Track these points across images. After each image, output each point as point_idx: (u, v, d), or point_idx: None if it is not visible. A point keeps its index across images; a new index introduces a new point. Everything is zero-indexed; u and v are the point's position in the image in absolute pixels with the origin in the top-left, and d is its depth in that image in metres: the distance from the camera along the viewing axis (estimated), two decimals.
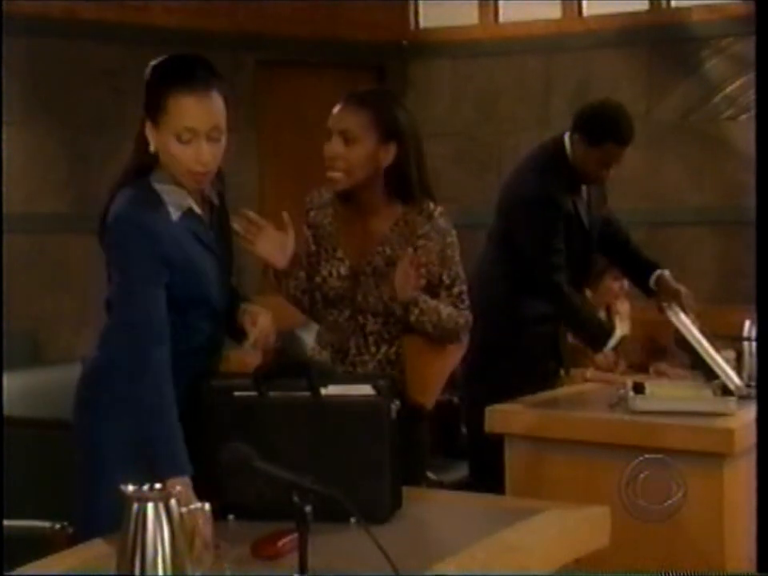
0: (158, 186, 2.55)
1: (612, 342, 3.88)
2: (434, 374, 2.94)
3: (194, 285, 2.56)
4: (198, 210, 2.59)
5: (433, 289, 2.88)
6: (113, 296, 2.56)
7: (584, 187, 4.12)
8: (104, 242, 2.58)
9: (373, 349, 2.91)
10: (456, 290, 2.91)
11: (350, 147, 2.84)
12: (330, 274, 2.92)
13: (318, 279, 2.94)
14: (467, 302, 2.94)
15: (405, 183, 2.87)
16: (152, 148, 2.53)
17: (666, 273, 4.13)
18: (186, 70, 2.52)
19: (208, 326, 2.62)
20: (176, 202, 2.55)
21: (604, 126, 3.97)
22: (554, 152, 4.08)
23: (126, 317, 2.50)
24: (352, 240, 2.92)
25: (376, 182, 2.87)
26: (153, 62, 2.59)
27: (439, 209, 2.91)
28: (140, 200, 2.53)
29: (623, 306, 4.70)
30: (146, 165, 2.57)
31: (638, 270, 4.24)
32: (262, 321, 2.64)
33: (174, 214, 2.54)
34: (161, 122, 2.50)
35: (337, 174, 2.86)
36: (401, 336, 2.92)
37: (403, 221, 2.89)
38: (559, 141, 4.08)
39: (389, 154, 2.85)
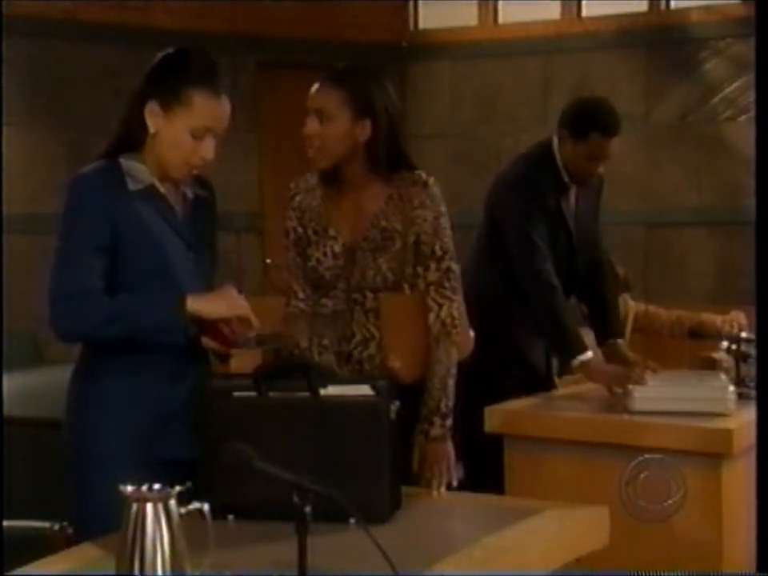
0: (123, 161, 2.60)
1: (582, 358, 3.83)
2: (408, 334, 2.92)
3: (154, 259, 2.58)
4: (161, 189, 2.62)
5: (424, 260, 2.90)
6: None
7: (573, 192, 4.13)
8: None
9: (376, 332, 2.91)
10: (445, 264, 2.91)
11: (325, 125, 2.88)
12: (325, 254, 2.93)
13: (311, 263, 2.94)
14: (454, 282, 2.93)
15: (378, 159, 2.90)
16: (152, 129, 2.58)
17: (621, 342, 4.12)
18: (211, 70, 2.60)
19: None
20: (137, 176, 2.59)
21: (588, 118, 3.99)
22: (541, 152, 4.10)
23: (62, 286, 2.53)
24: (343, 218, 2.94)
25: (357, 158, 2.90)
26: (170, 51, 2.64)
27: (432, 178, 2.94)
28: (97, 168, 2.59)
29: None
30: (126, 144, 2.61)
31: (601, 329, 4.21)
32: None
33: (132, 185, 2.58)
34: (177, 112, 2.56)
35: (313, 152, 2.91)
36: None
37: (398, 194, 2.91)
38: (547, 142, 4.11)
39: (365, 130, 2.88)
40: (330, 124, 2.87)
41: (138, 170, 2.59)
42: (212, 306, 2.56)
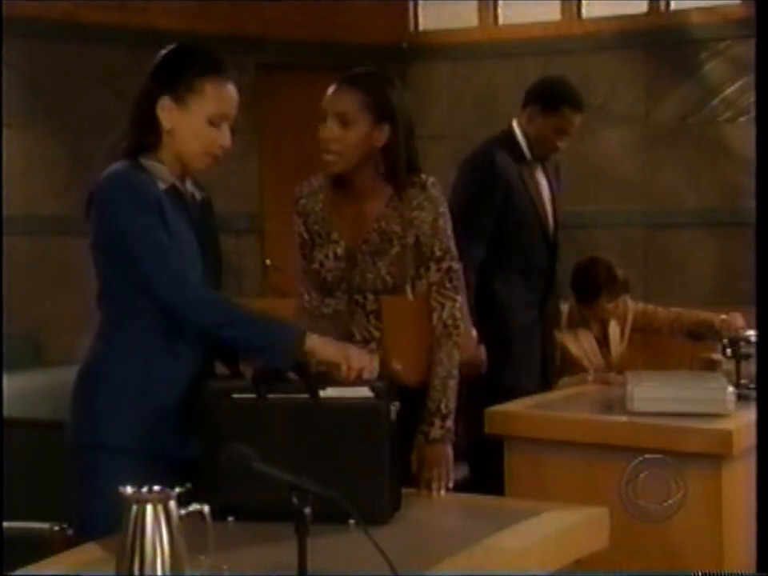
0: (143, 162, 2.61)
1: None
2: (410, 337, 2.91)
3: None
4: (181, 188, 2.64)
5: (424, 261, 2.90)
6: (131, 250, 2.53)
7: (539, 171, 4.30)
8: (91, 208, 2.58)
9: (377, 333, 2.92)
10: (445, 264, 2.91)
11: (346, 130, 2.86)
12: (327, 257, 2.94)
13: (314, 265, 2.95)
14: (455, 282, 2.92)
15: (394, 164, 2.89)
16: (167, 126, 2.59)
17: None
18: (214, 58, 2.63)
19: None
20: (160, 175, 2.60)
21: (561, 92, 4.31)
22: (500, 133, 4.37)
23: (151, 265, 2.51)
24: (346, 222, 2.94)
25: (369, 163, 2.90)
26: (171, 47, 2.66)
27: (431, 179, 2.93)
28: (130, 167, 2.59)
29: (615, 330, 4.71)
30: (141, 147, 2.61)
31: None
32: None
33: (160, 184, 2.59)
34: (191, 103, 2.58)
35: (332, 157, 2.89)
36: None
37: (398, 196, 2.91)
38: (508, 125, 4.36)
39: (382, 135, 2.88)
40: (352, 128, 2.86)
41: (159, 170, 2.61)
42: (327, 349, 2.53)
